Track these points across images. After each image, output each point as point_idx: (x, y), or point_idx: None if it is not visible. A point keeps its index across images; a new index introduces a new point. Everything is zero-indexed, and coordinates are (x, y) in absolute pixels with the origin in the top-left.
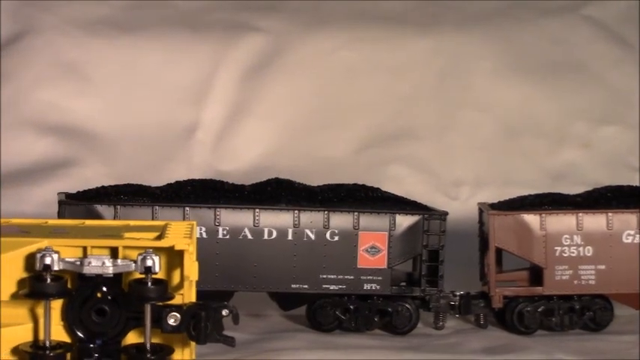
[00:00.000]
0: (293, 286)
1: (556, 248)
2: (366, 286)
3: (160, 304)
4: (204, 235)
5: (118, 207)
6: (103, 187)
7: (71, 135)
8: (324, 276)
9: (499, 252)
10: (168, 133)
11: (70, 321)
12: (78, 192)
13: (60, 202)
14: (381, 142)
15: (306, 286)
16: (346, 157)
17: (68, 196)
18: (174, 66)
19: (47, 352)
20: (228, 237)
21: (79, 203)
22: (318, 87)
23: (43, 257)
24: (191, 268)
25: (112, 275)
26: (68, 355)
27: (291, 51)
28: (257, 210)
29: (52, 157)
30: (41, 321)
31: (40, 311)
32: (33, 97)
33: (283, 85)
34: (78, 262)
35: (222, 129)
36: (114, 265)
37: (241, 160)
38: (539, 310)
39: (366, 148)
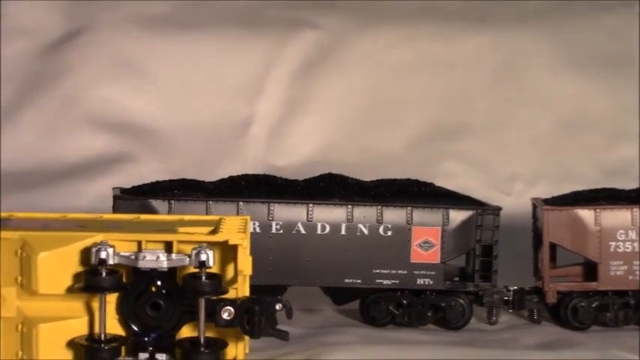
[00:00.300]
0: (346, 280)
1: (610, 243)
2: (420, 281)
3: (214, 298)
4: (258, 230)
5: (172, 202)
6: (157, 182)
7: (128, 131)
8: (377, 271)
9: (553, 247)
10: (223, 128)
11: (124, 315)
12: (132, 187)
13: (115, 197)
14: (436, 137)
15: (359, 281)
16: (400, 152)
17: (123, 191)
18: (230, 62)
19: (102, 345)
20: (281, 232)
21: (134, 198)
22: (373, 83)
23: (98, 251)
24: (245, 262)
25: (166, 269)
26: (123, 349)
27: (346, 47)
28: (310, 205)
29: (108, 153)
30: (96, 314)
31: (95, 305)
32: (91, 93)
33: (338, 81)
34: (133, 257)
35: (276, 124)
36: (168, 260)
37: (295, 155)
38: (594, 305)
39: (421, 143)
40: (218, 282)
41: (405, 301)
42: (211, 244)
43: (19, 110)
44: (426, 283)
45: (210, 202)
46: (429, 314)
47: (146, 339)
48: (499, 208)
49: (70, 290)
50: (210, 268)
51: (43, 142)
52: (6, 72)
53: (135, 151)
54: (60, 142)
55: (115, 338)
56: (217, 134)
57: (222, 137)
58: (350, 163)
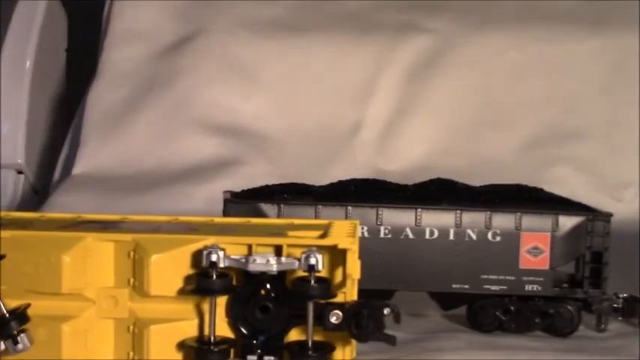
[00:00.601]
0: (454, 286)
1: None
2: (528, 287)
3: (323, 302)
4: (366, 234)
5: (282, 205)
6: (267, 185)
7: (238, 134)
8: (485, 276)
9: None
10: (332, 132)
11: (234, 317)
12: (243, 190)
13: (225, 201)
14: (546, 142)
15: (466, 287)
16: (511, 157)
17: (233, 194)
18: (340, 66)
19: (212, 347)
20: (390, 236)
21: (244, 201)
22: (484, 87)
23: (209, 254)
24: (354, 266)
25: (275, 273)
26: (232, 351)
27: (457, 51)
28: (419, 210)
29: (218, 156)
30: (206, 317)
31: (205, 307)
32: (202, 97)
33: (448, 85)
34: (243, 260)
35: (386, 128)
36: (278, 263)
37: (404, 159)
38: None
39: (531, 148)
40: (327, 286)
41: (512, 307)
42: (320, 248)
43: (132, 114)
44: (535, 289)
45: (320, 206)
46: (536, 320)
47: (255, 342)
48: (610, 215)
49: (181, 292)
50: (319, 272)
51: (156, 145)
52: (120, 75)
53: (245, 155)
54: (172, 146)
55: (225, 340)
56: (327, 138)
57: (332, 141)
58: (459, 167)
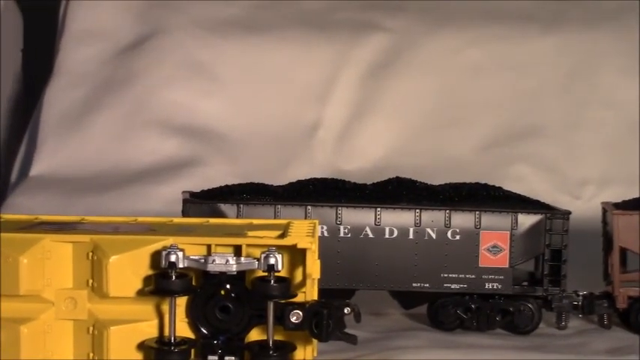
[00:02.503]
0: (414, 284)
1: None
2: (488, 285)
3: (283, 301)
4: (326, 234)
5: (241, 206)
6: (226, 186)
7: (197, 134)
8: (446, 275)
9: (623, 252)
10: (291, 132)
11: (194, 318)
12: (202, 191)
13: (184, 201)
14: (505, 141)
15: (427, 285)
16: (469, 156)
17: (192, 194)
18: (299, 65)
19: (172, 347)
20: (349, 235)
21: (203, 202)
22: (442, 86)
23: (168, 255)
24: (313, 266)
25: (235, 273)
26: (192, 351)
27: (415, 50)
28: (378, 209)
29: (178, 157)
30: (166, 317)
31: (165, 308)
32: (160, 97)
33: (407, 84)
34: (202, 260)
35: (344, 128)
36: (237, 263)
37: (363, 159)
38: None
39: (490, 146)
40: (287, 286)
41: (473, 306)
42: (280, 248)
43: (90, 114)
44: (495, 287)
45: (279, 206)
46: (497, 318)
47: (215, 342)
48: (568, 212)
49: (141, 293)
50: (278, 271)
51: (114, 146)
52: (77, 76)
53: (204, 155)
54: (130, 146)
55: (185, 341)
56: (286, 138)
57: (291, 141)
58: (418, 166)
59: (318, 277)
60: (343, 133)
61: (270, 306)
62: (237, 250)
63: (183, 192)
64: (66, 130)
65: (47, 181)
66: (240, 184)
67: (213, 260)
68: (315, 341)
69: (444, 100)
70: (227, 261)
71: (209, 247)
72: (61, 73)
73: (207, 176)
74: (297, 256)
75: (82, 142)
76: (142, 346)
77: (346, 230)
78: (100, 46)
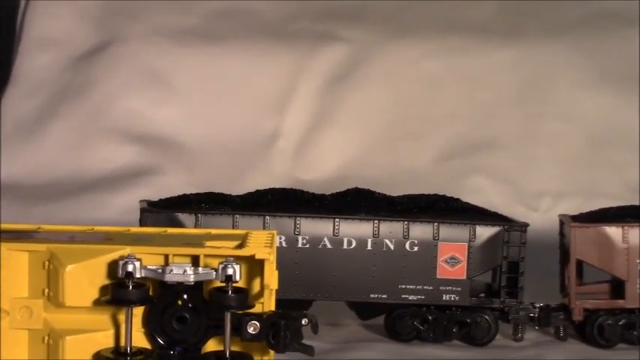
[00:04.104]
0: (372, 295)
1: (638, 261)
2: (445, 297)
3: (240, 312)
4: (284, 244)
5: (199, 215)
6: (184, 195)
7: (155, 143)
8: (403, 286)
9: (580, 264)
10: (250, 141)
11: (150, 328)
12: (160, 200)
13: (142, 210)
14: (463, 152)
15: (384, 296)
16: (427, 167)
17: (150, 203)
18: (257, 75)
19: (128, 358)
20: (307, 246)
21: (161, 211)
22: (400, 97)
23: (125, 264)
24: (271, 277)
25: (192, 283)
26: None
27: (373, 61)
28: (337, 219)
29: (135, 165)
30: (122, 327)
31: (121, 318)
32: (118, 105)
33: (365, 95)
34: (160, 270)
35: (303, 138)
36: (195, 274)
37: (322, 169)
38: (620, 323)
39: (448, 158)
40: (244, 296)
41: (430, 317)
42: (238, 259)
43: (47, 122)
44: (452, 298)
45: (237, 216)
46: (454, 330)
47: (172, 352)
48: (526, 225)
49: (97, 303)
50: (236, 282)
51: (71, 154)
52: (33, 84)
53: (162, 164)
54: (87, 154)
55: (141, 351)
56: (244, 147)
57: (249, 150)
58: (377, 177)
59: (276, 287)
60: (302, 143)
61: (228, 316)
62: (195, 261)
63: (141, 201)
64: (23, 138)
65: (3, 188)
66: (198, 194)
67: (171, 270)
68: (272, 352)
69: (402, 112)
70: (185, 271)
71: (167, 257)
72: (19, 80)
73: (165, 185)
74: (255, 266)
75: (39, 150)
76: (97, 356)
77: (304, 241)
78: (57, 53)
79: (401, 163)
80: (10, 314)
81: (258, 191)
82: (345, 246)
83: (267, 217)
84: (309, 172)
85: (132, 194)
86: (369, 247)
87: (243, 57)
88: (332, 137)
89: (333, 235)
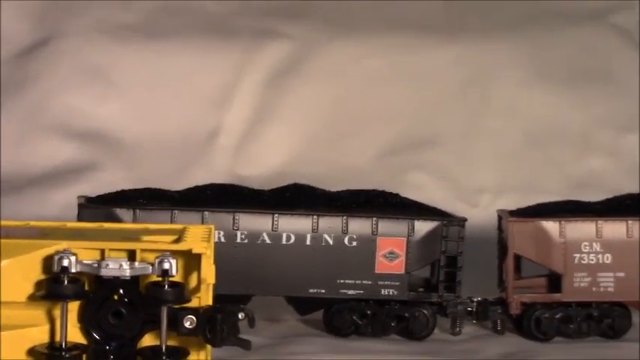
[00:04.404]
0: (310, 290)
1: (575, 255)
2: (384, 292)
3: (177, 307)
4: (223, 240)
5: (137, 211)
6: (122, 190)
7: (94, 139)
8: (342, 281)
9: (517, 258)
10: (190, 138)
11: (86, 323)
12: (98, 196)
13: (79, 206)
14: (403, 149)
15: (323, 291)
16: (368, 164)
17: (88, 199)
18: (198, 71)
19: (63, 353)
20: (246, 241)
21: (99, 207)
22: (342, 94)
23: (60, 259)
24: (208, 271)
25: (129, 278)
26: (84, 357)
27: (315, 58)
28: (276, 215)
29: (74, 161)
30: (58, 322)
31: (56, 313)
32: (58, 101)
33: (307, 91)
34: (95, 265)
35: (244, 134)
36: (131, 268)
37: (263, 165)
38: (557, 316)
39: (388, 155)
40: (181, 290)
41: (369, 312)
42: (175, 253)
43: None
44: (391, 293)
45: (176, 211)
46: (392, 324)
47: (108, 347)
48: (464, 220)
49: (32, 298)
50: (173, 276)
51: (8, 150)
52: None
53: (101, 160)
54: (26, 150)
55: (77, 346)
56: (184, 143)
57: (190, 146)
58: (317, 174)
59: (213, 282)
60: (242, 140)
61: (164, 311)
62: (132, 255)
63: (79, 197)
64: None
65: None
66: (136, 189)
67: (107, 265)
68: (208, 347)
69: (343, 108)
70: (121, 266)
71: (103, 251)
72: None
73: (105, 181)
74: (192, 261)
75: None
76: (33, 352)
77: (243, 236)
78: None
79: (342, 159)
80: None
81: (196, 187)
82: (284, 241)
83: (206, 213)
84: (250, 169)
85: (72, 190)
86: (308, 242)
87: (185, 53)
88: (273, 134)
89: (272, 230)
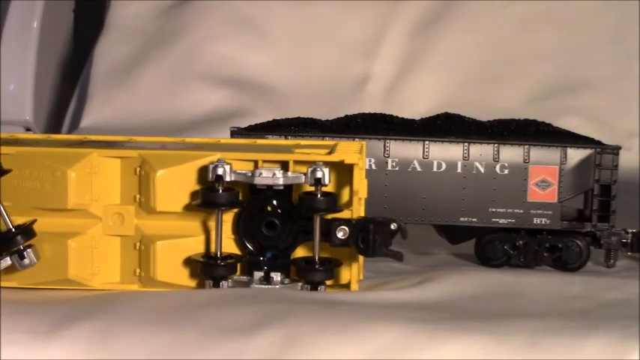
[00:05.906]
0: (462, 219)
1: None
2: (536, 221)
3: (329, 217)
4: (374, 167)
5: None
6: (274, 120)
7: (245, 87)
8: (494, 209)
9: None
10: (339, 85)
11: (240, 234)
12: (250, 126)
13: (232, 132)
14: (554, 93)
15: (475, 220)
16: (519, 107)
17: (240, 128)
18: (347, 20)
19: (219, 261)
20: (397, 169)
21: (250, 133)
22: (490, 40)
23: (215, 168)
24: (360, 184)
25: (282, 187)
26: (238, 267)
27: (463, 4)
28: (427, 142)
29: (226, 108)
30: (212, 233)
31: (211, 224)
32: (209, 50)
33: (455, 38)
34: (249, 174)
35: (392, 82)
36: (284, 177)
37: (410, 112)
38: None
39: (539, 99)
40: (333, 200)
41: (520, 242)
42: (327, 165)
43: (138, 68)
44: (543, 222)
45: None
46: (545, 255)
47: (261, 258)
48: (619, 147)
49: (188, 208)
50: (325, 186)
51: (162, 98)
52: (127, 31)
53: (252, 106)
54: (178, 98)
55: (231, 256)
56: (333, 91)
57: (338, 94)
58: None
59: (366, 196)
60: (391, 87)
61: (317, 219)
62: (285, 167)
63: (232, 127)
64: (115, 83)
65: (96, 132)
66: (287, 119)
67: (260, 174)
68: (361, 261)
69: (492, 54)
70: (274, 174)
71: (256, 162)
72: (112, 28)
73: None
74: (344, 174)
75: (131, 95)
76: (188, 261)
77: (394, 163)
78: (149, 1)
79: (491, 105)
80: (103, 221)
81: (347, 116)
82: (434, 169)
83: (357, 140)
84: (399, 114)
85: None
86: (459, 170)
87: (333, 2)
88: (421, 81)
89: (423, 157)
